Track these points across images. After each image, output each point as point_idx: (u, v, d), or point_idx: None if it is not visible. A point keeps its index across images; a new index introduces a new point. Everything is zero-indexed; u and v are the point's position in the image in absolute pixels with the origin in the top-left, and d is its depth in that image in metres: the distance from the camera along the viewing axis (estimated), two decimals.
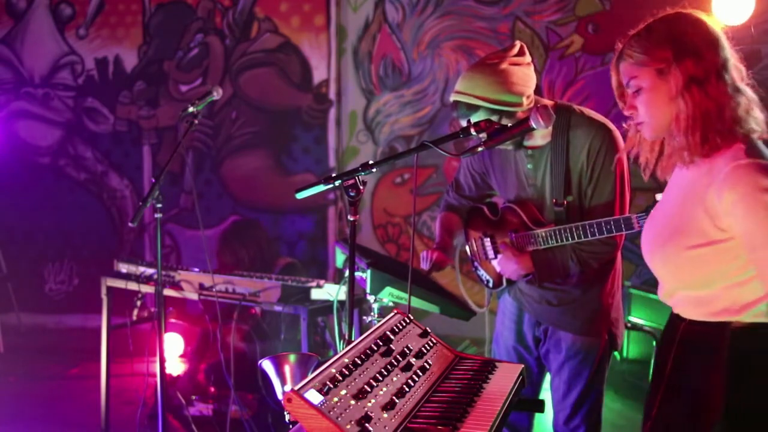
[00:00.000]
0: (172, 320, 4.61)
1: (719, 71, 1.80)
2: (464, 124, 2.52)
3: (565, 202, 2.58)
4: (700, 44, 1.82)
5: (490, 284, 2.93)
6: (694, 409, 1.89)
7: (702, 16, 1.88)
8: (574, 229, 2.50)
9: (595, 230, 2.46)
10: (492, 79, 2.50)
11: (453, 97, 2.59)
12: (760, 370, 1.79)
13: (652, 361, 3.78)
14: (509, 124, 2.41)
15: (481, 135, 2.21)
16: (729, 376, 1.82)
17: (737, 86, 1.83)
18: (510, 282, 2.82)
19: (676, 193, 1.94)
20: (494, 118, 2.50)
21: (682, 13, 1.89)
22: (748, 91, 1.85)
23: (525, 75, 2.53)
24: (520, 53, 2.56)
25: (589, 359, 2.67)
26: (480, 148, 2.24)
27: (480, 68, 2.55)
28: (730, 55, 1.85)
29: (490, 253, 2.88)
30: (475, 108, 2.52)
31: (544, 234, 2.60)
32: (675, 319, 1.97)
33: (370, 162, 2.22)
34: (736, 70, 1.84)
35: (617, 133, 2.57)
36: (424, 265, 2.90)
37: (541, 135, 2.61)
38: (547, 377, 2.86)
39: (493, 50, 2.75)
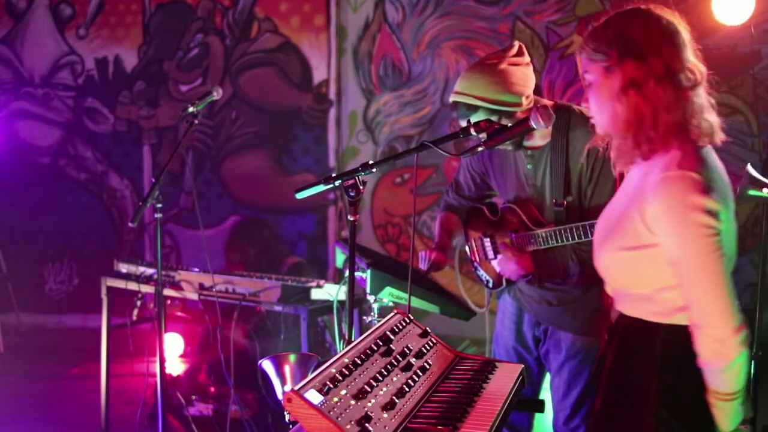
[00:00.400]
0: (178, 313, 4.61)
1: (661, 75, 1.75)
2: (464, 124, 2.51)
3: (565, 202, 2.57)
4: (645, 46, 1.77)
5: (490, 284, 2.92)
6: (632, 405, 1.89)
7: (661, 13, 1.82)
8: (574, 229, 2.50)
9: (588, 231, 2.46)
10: (491, 80, 2.50)
11: (452, 98, 2.59)
12: (689, 370, 1.79)
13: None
14: (509, 124, 2.40)
15: (480, 135, 2.21)
16: (661, 375, 1.83)
17: (685, 91, 1.77)
18: (510, 282, 2.81)
19: (623, 191, 1.94)
20: (494, 118, 2.50)
21: (639, 10, 1.84)
22: (701, 96, 1.81)
23: (524, 75, 2.53)
24: (519, 53, 2.56)
25: (589, 359, 2.67)
26: (480, 148, 2.25)
27: (479, 69, 2.55)
28: (684, 57, 1.79)
29: (490, 254, 2.88)
30: (474, 108, 2.52)
31: (544, 234, 2.59)
32: (618, 316, 1.99)
33: (370, 162, 2.23)
34: (688, 74, 1.78)
35: None
36: (423, 265, 2.91)
37: (540, 135, 2.60)
38: (547, 377, 2.86)
39: (493, 50, 2.75)
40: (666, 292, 1.82)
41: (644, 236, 1.79)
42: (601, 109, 1.86)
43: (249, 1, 5.94)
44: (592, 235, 2.46)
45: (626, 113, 1.80)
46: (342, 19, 5.80)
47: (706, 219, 1.69)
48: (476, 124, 2.20)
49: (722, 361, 1.75)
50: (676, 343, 1.82)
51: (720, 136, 1.85)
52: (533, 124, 2.20)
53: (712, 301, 1.73)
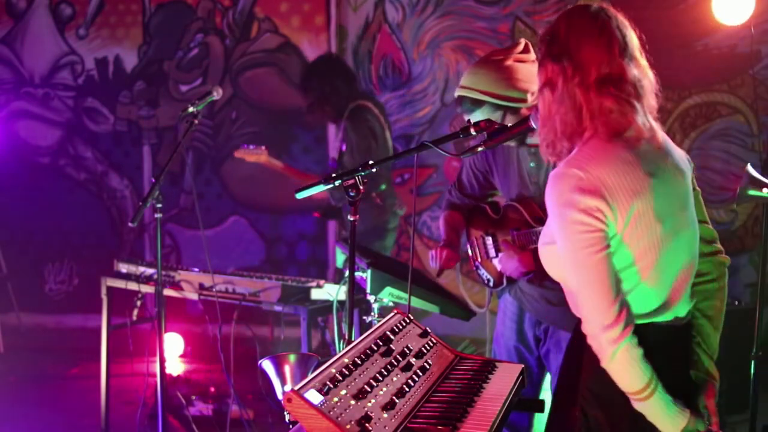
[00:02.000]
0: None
1: (570, 77, 1.76)
2: (468, 119, 2.53)
3: None
4: (563, 47, 1.78)
5: (491, 283, 2.92)
6: (565, 398, 1.94)
7: (595, 14, 1.80)
8: None
9: None
10: (497, 75, 2.50)
11: (457, 92, 2.59)
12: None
13: None
14: (510, 124, 2.40)
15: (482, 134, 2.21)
16: (586, 370, 1.87)
17: (599, 89, 1.75)
18: (511, 281, 2.81)
19: None
20: (498, 113, 2.51)
21: (573, 9, 1.85)
22: (627, 99, 1.77)
23: (530, 72, 2.53)
24: (525, 50, 2.57)
25: None
26: (480, 148, 2.25)
27: (485, 64, 2.55)
28: (608, 60, 1.76)
29: (492, 252, 2.87)
30: (479, 103, 2.52)
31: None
32: None
33: (370, 162, 2.23)
34: (610, 77, 1.75)
35: None
36: (433, 264, 2.88)
37: None
38: (548, 377, 2.86)
39: (496, 48, 2.75)
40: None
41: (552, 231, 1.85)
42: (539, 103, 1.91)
43: (249, 1, 5.94)
44: None
45: (541, 111, 1.85)
46: (342, 19, 5.80)
47: (581, 216, 1.70)
48: (476, 124, 2.20)
49: (602, 356, 1.77)
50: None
51: (660, 136, 1.84)
52: (533, 124, 2.20)
53: (585, 296, 1.77)
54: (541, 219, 2.64)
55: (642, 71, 1.81)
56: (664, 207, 1.78)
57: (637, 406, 1.77)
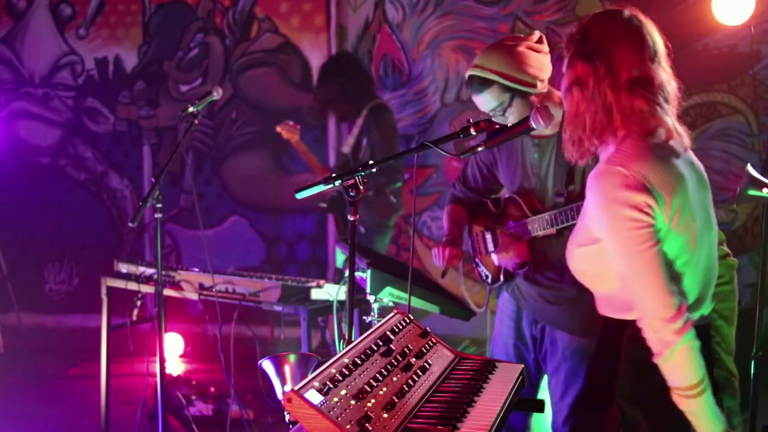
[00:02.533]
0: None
1: (603, 78, 1.81)
2: (477, 100, 2.56)
3: (566, 192, 2.57)
4: (595, 48, 1.83)
5: (489, 279, 2.92)
6: (599, 402, 1.96)
7: (628, 18, 1.87)
8: (568, 210, 2.50)
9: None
10: (508, 58, 2.50)
11: (468, 72, 2.58)
12: (651, 368, 1.82)
13: None
14: (518, 109, 2.49)
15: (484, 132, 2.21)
16: (624, 372, 1.89)
17: (632, 96, 1.81)
18: (508, 278, 2.81)
19: None
20: (507, 95, 2.50)
21: (606, 13, 1.91)
22: (656, 101, 1.83)
23: (541, 61, 2.54)
24: (539, 41, 2.58)
25: (585, 360, 2.65)
26: (480, 148, 2.25)
27: (498, 46, 2.56)
28: (639, 64, 1.82)
29: (490, 246, 2.88)
30: (488, 83, 2.51)
31: (540, 219, 2.60)
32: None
33: (370, 162, 2.23)
34: (640, 80, 1.81)
35: None
36: (437, 262, 2.87)
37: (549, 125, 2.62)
38: (545, 377, 2.86)
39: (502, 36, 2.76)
40: (625, 288, 1.86)
41: (591, 231, 1.87)
42: (563, 101, 1.96)
43: (249, 1, 5.94)
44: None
45: (568, 109, 1.89)
46: (342, 19, 5.79)
47: (632, 213, 1.74)
48: (476, 124, 2.20)
49: (663, 350, 1.78)
50: (640, 341, 1.84)
51: (686, 141, 1.88)
52: (533, 124, 2.20)
53: (644, 292, 1.78)
54: (538, 211, 2.65)
55: (669, 76, 1.87)
56: (696, 204, 1.84)
57: (686, 403, 1.78)
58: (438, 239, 5.77)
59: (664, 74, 1.85)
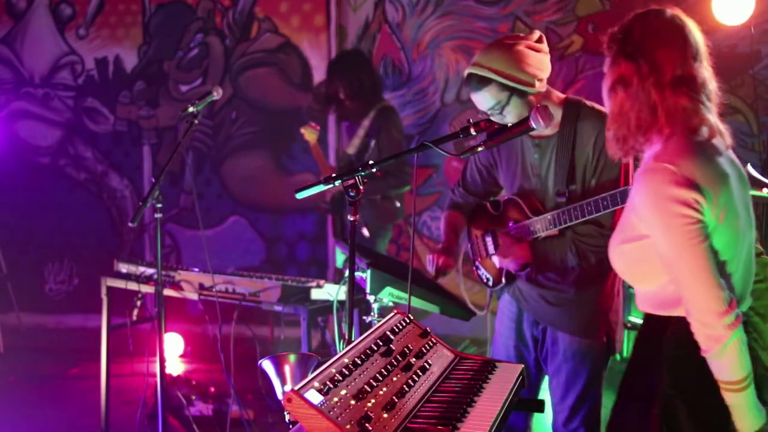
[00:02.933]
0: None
1: (647, 76, 1.83)
2: (474, 98, 2.56)
3: (567, 192, 2.56)
4: (638, 47, 1.86)
5: (490, 282, 2.92)
6: (641, 401, 1.94)
7: (670, 18, 1.90)
8: (572, 210, 2.49)
9: (593, 208, 2.45)
10: (507, 56, 2.49)
11: (467, 70, 2.58)
12: (697, 365, 1.83)
13: None
14: (516, 108, 2.50)
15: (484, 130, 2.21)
16: (669, 370, 1.88)
17: (676, 93, 1.83)
18: (509, 280, 2.80)
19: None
20: (504, 94, 2.50)
21: (648, 12, 1.92)
22: (699, 99, 1.85)
23: (540, 61, 2.53)
24: (539, 41, 2.57)
25: (586, 361, 2.66)
26: (480, 148, 2.25)
27: (497, 45, 2.55)
28: (681, 62, 1.84)
29: (491, 248, 2.87)
30: (486, 81, 2.50)
31: (542, 220, 2.59)
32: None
33: (370, 162, 2.23)
34: (684, 78, 1.84)
35: None
36: (430, 268, 2.88)
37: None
38: (546, 378, 2.86)
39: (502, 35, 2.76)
40: (669, 285, 1.87)
41: (637, 227, 1.87)
42: (605, 99, 1.97)
43: (249, 1, 5.94)
44: (589, 213, 2.48)
45: (612, 108, 1.91)
46: (342, 19, 5.80)
47: (682, 209, 1.76)
48: (476, 124, 2.20)
49: (714, 345, 1.79)
50: (684, 337, 1.84)
51: (728, 139, 1.90)
52: (533, 124, 2.20)
53: (694, 287, 1.79)
54: (539, 211, 2.64)
55: (710, 75, 1.90)
56: (739, 201, 1.86)
57: (732, 397, 1.80)
58: (438, 239, 5.77)
59: (707, 73, 1.88)
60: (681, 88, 1.83)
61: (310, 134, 4.68)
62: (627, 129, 1.87)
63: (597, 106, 2.62)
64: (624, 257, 1.96)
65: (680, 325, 1.86)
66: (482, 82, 2.51)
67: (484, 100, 2.54)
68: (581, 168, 2.56)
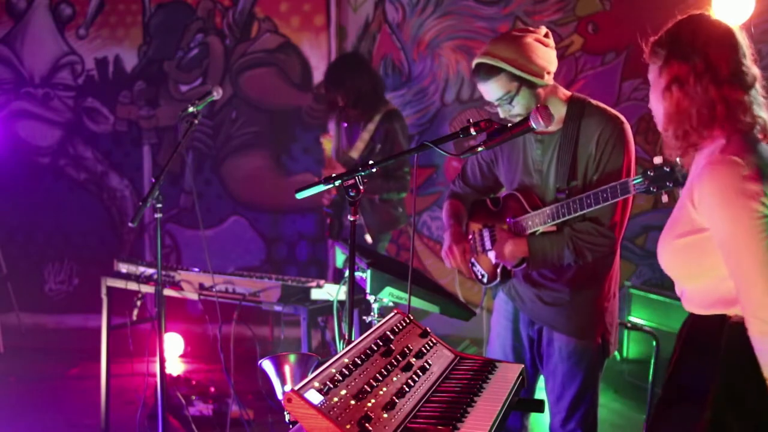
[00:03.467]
0: None
1: (702, 73, 1.86)
2: (483, 89, 2.56)
3: (567, 189, 2.56)
4: (690, 47, 1.89)
5: (485, 279, 2.91)
6: (690, 402, 1.90)
7: (711, 18, 1.95)
8: (571, 203, 2.49)
9: (592, 200, 2.44)
10: (518, 47, 2.49)
11: (475, 61, 2.56)
12: (754, 366, 1.79)
13: (652, 361, 3.78)
14: (525, 100, 2.52)
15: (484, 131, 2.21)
16: (724, 371, 1.85)
17: (731, 90, 1.86)
18: (504, 277, 2.80)
19: (684, 188, 2.01)
20: (514, 84, 2.49)
21: (694, 15, 1.98)
22: (752, 96, 1.89)
23: (549, 54, 2.55)
24: (546, 36, 2.59)
25: (582, 362, 2.66)
26: (480, 148, 2.25)
27: (507, 36, 2.55)
28: (732, 59, 1.88)
29: (488, 244, 2.87)
30: (496, 71, 2.49)
31: (540, 214, 2.59)
32: (688, 317, 2.01)
33: (370, 162, 2.23)
34: (736, 74, 1.87)
35: (629, 127, 2.58)
36: (450, 264, 2.85)
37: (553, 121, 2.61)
38: (542, 378, 2.86)
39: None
40: (724, 282, 1.85)
41: (696, 221, 1.86)
42: (655, 107, 1.99)
43: (249, 1, 5.94)
44: (588, 206, 2.47)
45: (669, 108, 1.92)
46: (342, 19, 5.80)
47: (751, 203, 1.75)
48: (476, 124, 2.20)
49: None
50: (739, 337, 1.82)
51: None
52: (533, 124, 2.20)
53: (755, 282, 1.77)
54: (539, 207, 2.63)
55: (759, 74, 1.93)
56: None
57: None
58: (438, 239, 5.77)
59: (757, 71, 1.92)
60: (736, 84, 1.86)
61: (328, 143, 4.62)
62: (689, 125, 1.88)
63: (602, 105, 2.63)
64: (678, 252, 1.93)
65: (738, 325, 1.83)
66: (492, 72, 2.50)
67: (493, 90, 2.53)
68: (583, 165, 2.56)
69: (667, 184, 2.30)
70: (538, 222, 2.61)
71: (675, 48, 1.92)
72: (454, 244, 2.83)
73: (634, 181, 2.35)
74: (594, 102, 2.62)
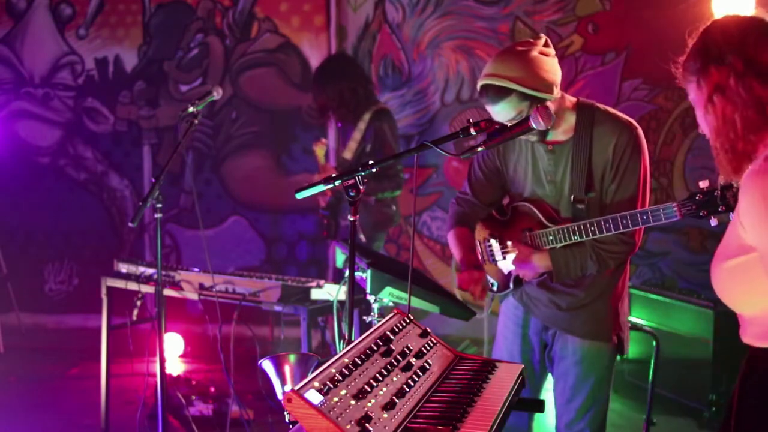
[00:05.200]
0: None
1: (742, 72, 1.67)
2: (492, 110, 2.47)
3: (586, 200, 2.52)
4: (723, 46, 1.71)
5: (495, 288, 2.87)
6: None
7: (738, 15, 1.79)
8: (603, 223, 2.44)
9: (629, 221, 2.39)
10: (525, 64, 2.41)
11: (483, 81, 2.48)
12: None
13: (652, 361, 3.78)
14: (533, 129, 2.37)
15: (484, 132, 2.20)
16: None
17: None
18: (517, 285, 2.77)
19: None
20: (525, 104, 2.42)
21: (717, 19, 1.81)
22: None
23: (554, 65, 2.48)
24: (546, 45, 2.53)
25: (596, 364, 2.64)
26: (480, 148, 2.24)
27: (511, 53, 2.46)
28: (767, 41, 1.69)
29: (498, 255, 2.81)
30: (506, 92, 2.41)
31: (564, 230, 2.54)
32: (747, 351, 1.80)
33: (370, 162, 2.22)
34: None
35: (642, 133, 2.54)
36: (474, 296, 2.72)
37: (563, 130, 2.56)
38: (549, 380, 2.84)
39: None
40: None
41: (744, 240, 1.67)
42: (704, 128, 1.78)
43: (249, 1, 5.94)
44: (614, 230, 2.40)
45: (713, 122, 1.72)
46: (342, 19, 5.80)
47: None
48: (476, 124, 2.18)
49: None
50: None
51: None
52: (533, 124, 2.20)
53: None
54: (554, 219, 2.60)
55: None
56: None
57: None
58: (438, 238, 5.77)
59: None
60: None
61: (320, 150, 4.63)
62: (734, 134, 1.67)
63: (611, 110, 2.59)
64: (726, 276, 1.72)
65: None
66: (501, 93, 2.42)
67: (503, 111, 2.45)
68: (599, 174, 2.52)
69: (719, 209, 2.22)
70: (561, 238, 2.55)
71: (707, 54, 1.72)
72: (475, 271, 2.69)
73: (683, 207, 2.30)
74: (602, 107, 2.58)
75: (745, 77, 1.66)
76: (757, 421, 1.72)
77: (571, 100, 2.59)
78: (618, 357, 2.73)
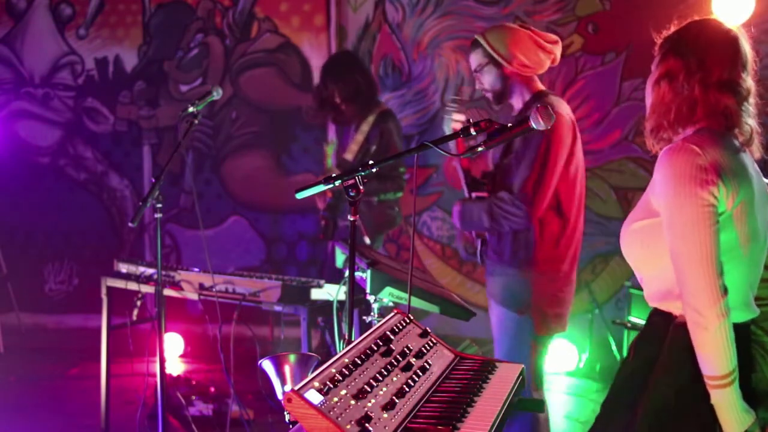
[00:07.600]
0: None
1: (694, 73, 1.89)
2: (472, 61, 3.00)
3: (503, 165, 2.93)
4: (690, 46, 1.92)
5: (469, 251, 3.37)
6: (633, 396, 1.94)
7: (725, 29, 1.97)
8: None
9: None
10: (501, 32, 2.89)
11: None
12: (691, 365, 1.82)
13: None
14: (489, 77, 2.93)
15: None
16: (665, 365, 1.89)
17: (720, 95, 1.88)
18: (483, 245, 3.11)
19: None
20: (485, 60, 2.90)
21: (706, 19, 2.02)
22: (743, 106, 1.91)
23: (530, 50, 2.84)
24: (550, 41, 2.87)
25: (502, 328, 2.98)
26: (480, 148, 2.25)
27: (506, 25, 2.97)
28: (730, 68, 1.90)
29: None
30: (476, 44, 2.94)
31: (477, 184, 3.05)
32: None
33: (370, 162, 2.22)
34: (730, 83, 1.89)
35: (565, 124, 2.78)
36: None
37: (513, 103, 3.02)
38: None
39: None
40: (668, 271, 1.87)
41: (652, 205, 1.90)
42: (647, 96, 2.03)
43: (249, 1, 5.94)
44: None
45: (654, 99, 1.97)
46: (342, 19, 5.80)
47: (699, 190, 1.78)
48: (476, 124, 2.20)
49: (702, 332, 1.79)
50: (682, 339, 1.84)
51: (756, 153, 1.95)
52: (533, 125, 2.20)
53: (693, 270, 1.79)
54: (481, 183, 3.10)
55: (755, 89, 1.95)
56: (759, 206, 1.88)
57: (716, 393, 1.79)
58: (438, 239, 5.77)
59: (752, 85, 1.93)
60: (726, 91, 1.88)
61: (331, 150, 4.62)
62: (666, 120, 1.92)
63: (557, 103, 2.84)
64: (633, 236, 1.96)
65: (682, 326, 1.85)
66: (474, 45, 2.96)
67: (472, 59, 2.99)
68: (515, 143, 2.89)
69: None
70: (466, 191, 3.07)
71: (676, 45, 1.95)
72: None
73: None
74: (552, 98, 2.86)
75: (693, 77, 1.89)
76: (641, 370, 1.96)
77: (538, 87, 2.94)
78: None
